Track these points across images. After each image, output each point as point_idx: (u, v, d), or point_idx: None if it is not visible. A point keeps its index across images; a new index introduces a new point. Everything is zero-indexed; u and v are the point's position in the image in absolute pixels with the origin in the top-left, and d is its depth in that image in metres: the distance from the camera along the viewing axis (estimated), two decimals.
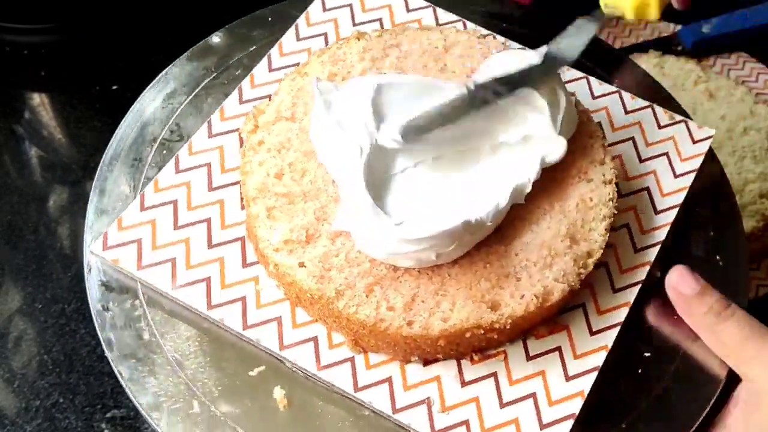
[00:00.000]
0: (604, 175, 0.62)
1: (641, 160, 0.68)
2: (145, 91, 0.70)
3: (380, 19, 0.75)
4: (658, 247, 0.63)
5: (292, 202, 0.60)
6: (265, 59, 0.72)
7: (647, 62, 1.05)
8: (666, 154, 0.68)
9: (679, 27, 1.09)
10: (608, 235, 0.60)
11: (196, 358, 0.58)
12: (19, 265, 0.79)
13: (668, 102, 0.73)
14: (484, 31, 0.74)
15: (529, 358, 0.59)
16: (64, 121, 0.88)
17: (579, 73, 0.72)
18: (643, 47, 1.07)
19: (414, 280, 0.57)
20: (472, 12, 0.77)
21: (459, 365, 0.58)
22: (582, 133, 0.64)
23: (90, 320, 0.60)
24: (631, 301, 0.61)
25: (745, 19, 1.07)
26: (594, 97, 0.71)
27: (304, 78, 0.66)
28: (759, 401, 0.56)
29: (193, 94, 0.70)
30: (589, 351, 0.59)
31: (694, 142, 0.69)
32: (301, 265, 0.57)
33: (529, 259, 0.58)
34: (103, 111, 0.88)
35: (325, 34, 0.74)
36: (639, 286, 0.62)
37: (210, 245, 0.62)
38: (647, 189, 0.66)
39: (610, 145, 0.68)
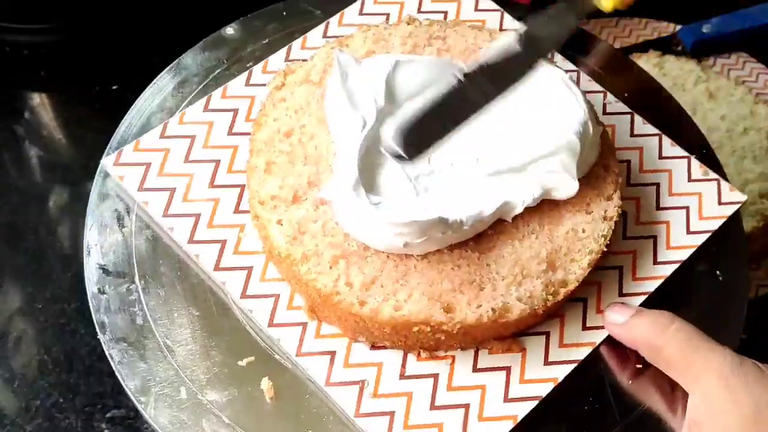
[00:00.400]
0: (605, 211, 0.60)
1: (659, 208, 0.65)
2: (155, 79, 0.71)
3: (446, 12, 0.75)
4: (643, 297, 0.61)
5: (291, 162, 0.61)
6: (322, 25, 0.73)
7: (647, 62, 1.03)
8: (687, 208, 0.65)
9: (679, 27, 1.06)
10: (590, 270, 0.59)
11: (187, 346, 0.59)
12: (19, 265, 0.78)
13: (668, 102, 0.71)
14: None
15: (475, 369, 0.58)
16: (64, 121, 0.88)
17: (625, 108, 0.70)
18: (643, 47, 1.05)
19: (380, 264, 0.57)
20: None
21: (404, 357, 0.58)
22: (599, 164, 0.62)
23: (90, 320, 0.60)
24: (597, 343, 0.59)
25: (745, 19, 1.04)
26: (632, 135, 0.69)
27: (343, 49, 0.67)
28: (706, 416, 0.53)
29: (204, 84, 0.71)
30: (537, 379, 0.57)
31: (720, 203, 0.65)
32: (279, 222, 0.58)
33: (499, 272, 0.57)
34: (103, 111, 0.87)
35: (388, 15, 0.75)
36: None
37: (211, 184, 0.64)
38: (654, 238, 0.64)
39: (633, 185, 0.66)
